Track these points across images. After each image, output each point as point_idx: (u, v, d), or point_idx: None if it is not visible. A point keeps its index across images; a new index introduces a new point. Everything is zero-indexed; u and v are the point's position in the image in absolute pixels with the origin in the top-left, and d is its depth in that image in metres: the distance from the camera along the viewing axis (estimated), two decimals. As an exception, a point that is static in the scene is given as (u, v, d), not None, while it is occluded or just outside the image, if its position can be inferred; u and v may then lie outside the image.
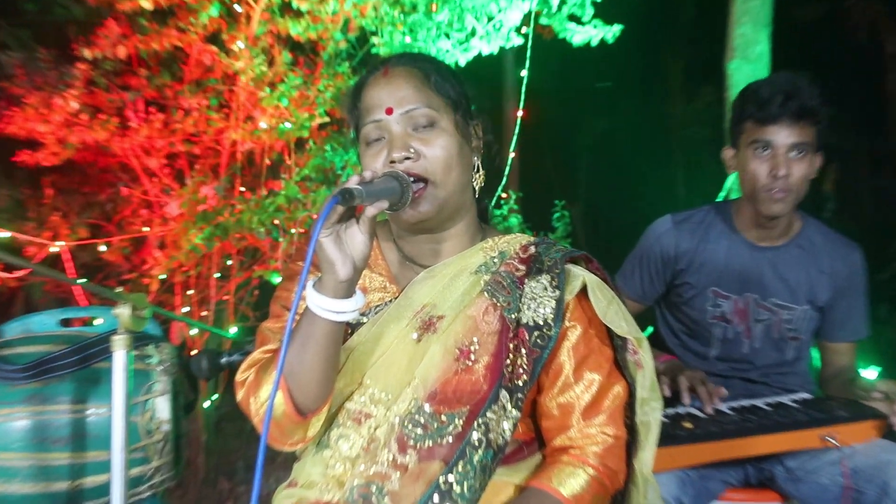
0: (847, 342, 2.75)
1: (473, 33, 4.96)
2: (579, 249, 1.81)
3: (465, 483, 1.59)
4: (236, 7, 4.45)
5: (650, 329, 2.95)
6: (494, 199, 4.12)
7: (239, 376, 1.73)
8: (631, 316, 1.76)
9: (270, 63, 4.53)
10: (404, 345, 1.71)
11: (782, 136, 2.50)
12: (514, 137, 5.62)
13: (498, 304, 1.70)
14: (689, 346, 2.81)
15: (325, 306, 1.53)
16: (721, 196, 4.47)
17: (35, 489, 2.23)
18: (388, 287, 1.80)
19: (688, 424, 2.34)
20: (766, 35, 4.69)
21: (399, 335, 1.72)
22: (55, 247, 4.50)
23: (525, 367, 1.67)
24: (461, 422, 1.64)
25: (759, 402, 2.57)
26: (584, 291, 1.72)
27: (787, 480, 2.52)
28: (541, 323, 1.68)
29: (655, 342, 2.85)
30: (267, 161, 4.65)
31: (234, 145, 4.55)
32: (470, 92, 1.80)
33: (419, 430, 1.64)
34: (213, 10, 4.26)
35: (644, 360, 1.75)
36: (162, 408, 2.36)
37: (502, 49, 5.10)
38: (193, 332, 4.40)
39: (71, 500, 2.27)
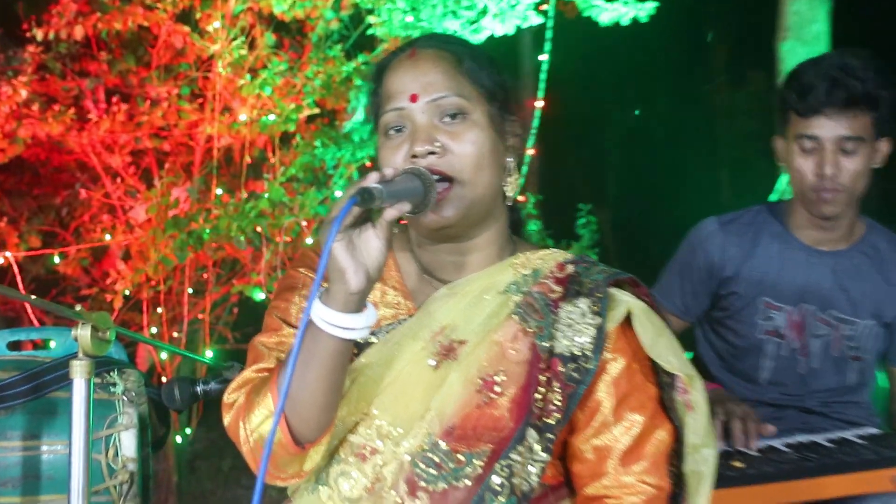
0: (921, 368, 2.76)
1: (485, 11, 4.97)
2: (609, 262, 1.81)
3: (483, 533, 1.60)
4: (212, -20, 4.48)
5: (689, 354, 2.94)
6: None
7: (227, 397, 1.73)
8: (681, 349, 1.76)
9: (251, 46, 4.56)
10: (419, 371, 1.70)
11: (828, 128, 2.48)
12: (533, 132, 5.63)
13: (528, 330, 1.70)
14: (736, 370, 2.81)
15: (332, 321, 1.52)
16: (773, 198, 4.47)
17: (-20, 538, 2.23)
18: (402, 303, 1.79)
19: (738, 464, 2.33)
20: (825, 12, 4.70)
21: (413, 359, 1.71)
22: (1, 257, 4.52)
23: (557, 403, 1.66)
24: (481, 463, 1.63)
25: (819, 438, 2.56)
26: (628, 320, 1.72)
27: (852, 529, 2.51)
28: (577, 353, 1.67)
29: (696, 367, 2.84)
30: (247, 159, 4.67)
31: (209, 141, 4.58)
32: (508, 83, 1.80)
33: (432, 471, 1.64)
34: (186, -16, 4.29)
35: (696, 400, 1.74)
36: (127, 444, 2.35)
37: (518, 30, 5.11)
38: (163, 356, 4.41)
39: (22, 551, 2.27)
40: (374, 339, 1.74)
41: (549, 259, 1.79)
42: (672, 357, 1.71)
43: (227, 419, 1.71)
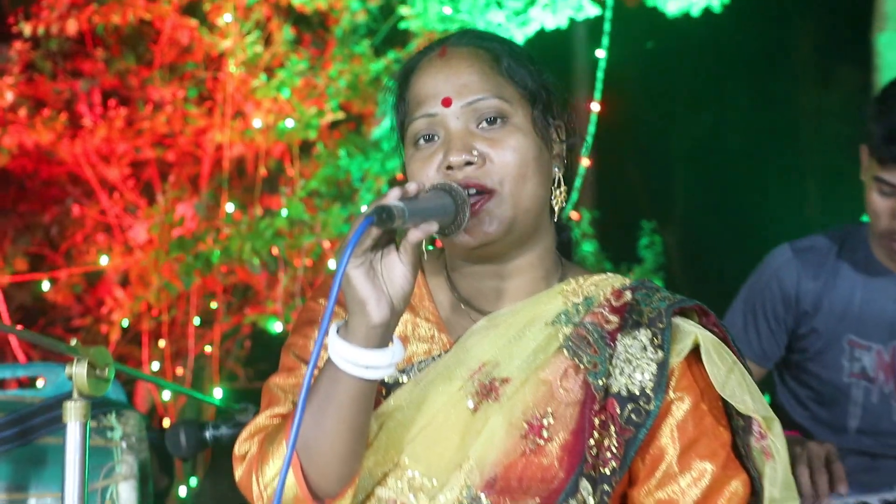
0: None
1: (533, 2, 4.99)
2: (676, 289, 1.81)
3: None
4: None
5: (766, 397, 2.93)
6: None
7: (238, 448, 1.74)
8: (757, 387, 1.75)
9: (267, 42, 4.59)
10: (456, 414, 1.70)
11: None
12: (589, 139, 5.63)
13: (581, 366, 1.69)
14: (820, 418, 2.80)
15: (353, 358, 1.53)
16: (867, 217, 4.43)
17: None
18: (436, 337, 1.80)
19: (827, 524, 2.32)
20: (930, -1, 4.68)
21: (449, 401, 1.71)
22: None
23: (614, 450, 1.66)
24: (528, 518, 1.63)
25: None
26: (695, 353, 1.71)
27: None
28: (637, 393, 1.66)
29: (776, 414, 2.83)
30: (262, 171, 4.70)
31: (219, 150, 4.61)
32: (552, 82, 1.81)
33: (472, 529, 1.64)
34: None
35: (774, 447, 1.73)
36: (126, 497, 2.37)
37: (572, 22, 5.13)
38: (166, 395, 4.44)
39: None
40: (404, 379, 1.74)
41: (604, 285, 1.79)
42: (747, 396, 1.70)
43: (238, 472, 1.71)
